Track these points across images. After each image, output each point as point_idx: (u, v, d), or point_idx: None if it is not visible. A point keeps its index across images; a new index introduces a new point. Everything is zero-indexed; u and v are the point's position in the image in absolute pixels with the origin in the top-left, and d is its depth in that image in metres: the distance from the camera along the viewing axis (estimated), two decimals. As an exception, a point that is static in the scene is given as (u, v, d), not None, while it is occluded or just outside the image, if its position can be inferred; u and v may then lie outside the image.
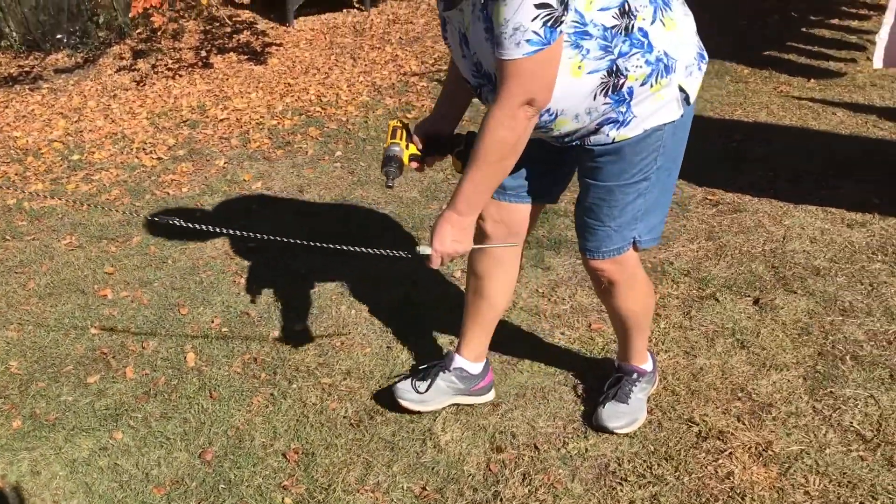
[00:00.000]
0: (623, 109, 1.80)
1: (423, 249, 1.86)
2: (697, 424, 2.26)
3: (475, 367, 2.37)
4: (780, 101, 4.41)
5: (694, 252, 3.10)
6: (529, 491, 2.11)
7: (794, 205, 3.34)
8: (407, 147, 2.02)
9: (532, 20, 1.57)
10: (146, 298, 3.10)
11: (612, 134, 1.83)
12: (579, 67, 1.71)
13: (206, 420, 2.44)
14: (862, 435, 2.18)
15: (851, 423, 2.22)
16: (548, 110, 1.78)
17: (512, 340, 2.66)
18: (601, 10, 1.67)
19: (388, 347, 2.69)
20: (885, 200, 3.31)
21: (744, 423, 2.26)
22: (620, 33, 1.70)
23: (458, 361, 2.35)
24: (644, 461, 2.17)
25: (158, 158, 4.36)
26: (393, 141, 2.01)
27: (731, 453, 2.16)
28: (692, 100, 1.85)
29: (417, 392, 2.33)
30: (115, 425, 2.44)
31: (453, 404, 2.39)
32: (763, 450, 2.16)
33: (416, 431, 2.33)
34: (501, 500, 2.10)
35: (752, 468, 2.11)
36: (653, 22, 1.74)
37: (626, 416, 2.26)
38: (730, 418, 2.28)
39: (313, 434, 2.36)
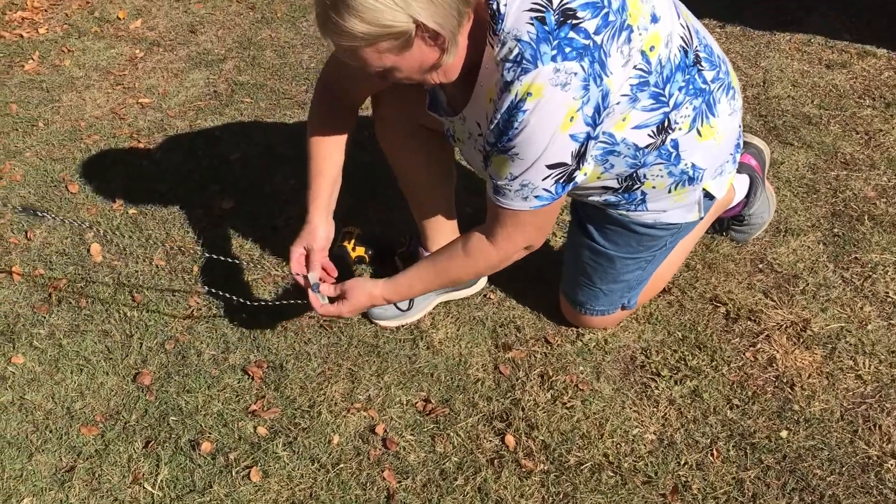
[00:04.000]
0: (636, 204, 1.66)
1: (326, 290, 1.70)
2: (724, 304, 1.99)
3: None
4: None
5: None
6: (553, 396, 1.80)
7: (764, 43, 3.03)
8: (354, 249, 2.07)
9: (543, 179, 1.41)
10: (18, 173, 2.45)
11: (624, 213, 1.69)
12: (599, 178, 1.57)
13: (134, 332, 1.94)
14: (901, 306, 1.98)
15: (887, 293, 2.01)
16: None
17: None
18: (636, 128, 1.46)
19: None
20: (855, 34, 3.05)
21: (773, 300, 2.00)
22: (653, 151, 1.52)
23: None
24: (674, 351, 1.89)
25: (-2, -10, 3.49)
26: (341, 244, 2.06)
27: (767, 336, 1.91)
28: (719, 197, 1.71)
29: (399, 309, 1.92)
30: (11, 346, 1.91)
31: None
32: (801, 330, 1.92)
33: (402, 330, 1.94)
34: (523, 409, 1.77)
35: (794, 352, 1.87)
36: (689, 131, 1.54)
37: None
38: (757, 294, 2.02)
39: (276, 341, 1.92)
